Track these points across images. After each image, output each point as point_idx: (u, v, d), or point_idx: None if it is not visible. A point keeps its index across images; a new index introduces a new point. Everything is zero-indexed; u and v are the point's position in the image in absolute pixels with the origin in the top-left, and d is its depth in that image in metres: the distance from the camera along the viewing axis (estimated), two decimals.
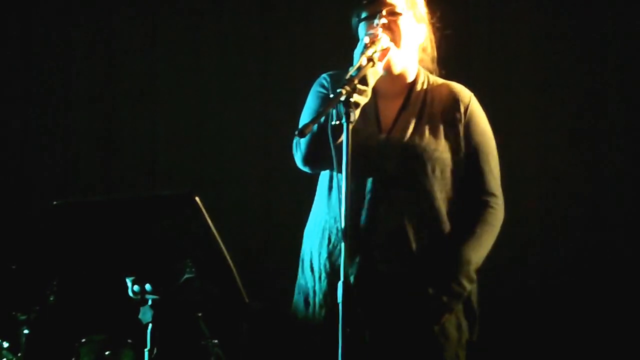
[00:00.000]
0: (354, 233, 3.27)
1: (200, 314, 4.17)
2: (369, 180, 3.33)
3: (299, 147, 3.32)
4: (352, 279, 3.27)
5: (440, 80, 3.49)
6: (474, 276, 3.34)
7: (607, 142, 5.03)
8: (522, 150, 4.98)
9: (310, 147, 3.27)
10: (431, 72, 3.51)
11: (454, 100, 3.43)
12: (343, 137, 2.97)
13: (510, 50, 5.12)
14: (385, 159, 3.33)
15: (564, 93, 5.06)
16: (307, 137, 3.22)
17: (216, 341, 4.23)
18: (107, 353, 3.94)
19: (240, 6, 5.29)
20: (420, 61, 3.49)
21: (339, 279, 2.94)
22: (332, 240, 3.37)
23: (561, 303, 4.99)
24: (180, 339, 4.30)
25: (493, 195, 3.41)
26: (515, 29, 5.12)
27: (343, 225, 2.95)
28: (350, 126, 3.01)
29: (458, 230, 3.35)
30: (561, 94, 5.06)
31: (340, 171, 2.98)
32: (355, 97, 3.09)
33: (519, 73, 5.11)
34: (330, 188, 3.40)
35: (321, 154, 3.20)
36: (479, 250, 3.34)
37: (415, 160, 3.33)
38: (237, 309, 4.54)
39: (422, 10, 3.45)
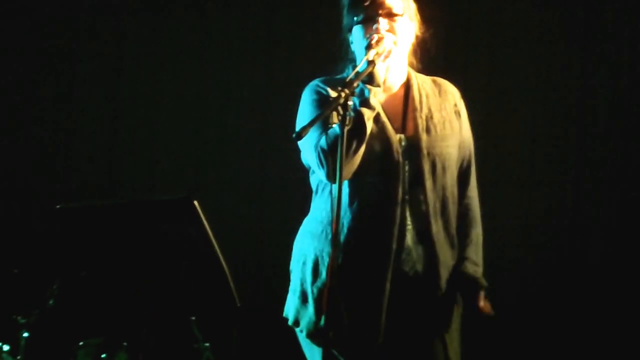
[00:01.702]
0: (381, 237, 3.29)
1: (193, 318, 4.18)
2: (391, 183, 3.29)
3: (326, 162, 3.20)
4: (378, 284, 3.29)
5: (428, 77, 3.48)
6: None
7: (597, 145, 5.08)
8: (509, 151, 5.02)
9: (335, 157, 3.08)
10: (413, 68, 3.51)
11: (450, 95, 3.43)
12: (349, 141, 3.01)
13: (500, 52, 5.16)
14: (403, 159, 3.30)
15: (554, 95, 5.11)
16: (331, 147, 3.14)
17: (208, 344, 4.24)
18: (103, 356, 3.96)
19: (242, 13, 5.32)
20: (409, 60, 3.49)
21: (360, 281, 3.01)
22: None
23: (553, 304, 5.05)
24: (172, 342, 4.32)
25: (474, 189, 3.46)
26: (506, 31, 5.15)
27: (333, 229, 2.97)
28: (346, 129, 3.01)
29: (457, 234, 3.41)
30: (551, 96, 5.11)
31: (338, 174, 3.00)
32: (372, 101, 3.13)
33: (507, 75, 5.15)
34: (340, 191, 3.23)
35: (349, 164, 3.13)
36: (479, 252, 3.43)
37: (435, 158, 3.32)
38: (229, 313, 4.56)
39: (412, 7, 3.43)
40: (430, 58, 3.51)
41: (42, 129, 5.33)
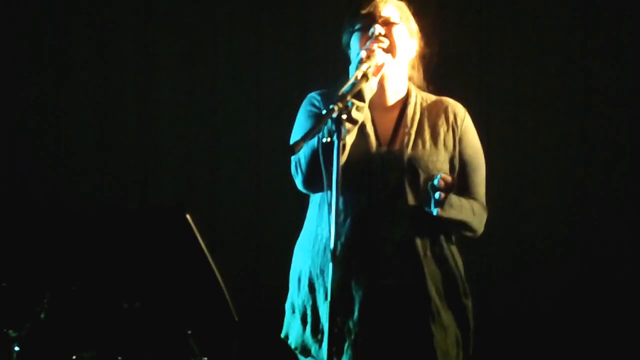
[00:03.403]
0: (360, 249, 3.29)
1: (189, 331, 4.16)
2: (372, 194, 3.34)
3: (299, 170, 3.30)
4: (359, 295, 3.29)
5: (434, 96, 3.52)
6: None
7: (600, 150, 5.08)
8: (513, 159, 5.02)
9: (310, 168, 3.25)
10: (421, 89, 3.53)
11: (451, 114, 3.47)
12: (340, 154, 3.00)
13: (502, 60, 5.16)
14: (387, 172, 3.35)
15: (557, 101, 5.11)
16: (307, 159, 3.22)
17: (205, 359, 4.21)
18: None
19: (234, 17, 5.31)
20: (410, 78, 3.52)
21: (347, 296, 2.99)
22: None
23: (554, 315, 5.02)
24: (169, 357, 4.29)
25: (481, 205, 3.45)
26: (507, 38, 5.16)
27: (332, 245, 2.97)
28: (341, 143, 3.04)
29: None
30: (554, 103, 5.11)
31: (337, 189, 2.99)
32: (354, 114, 3.12)
33: (511, 82, 5.15)
34: (330, 206, 3.36)
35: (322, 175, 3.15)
36: (468, 212, 3.39)
37: (417, 172, 3.35)
38: (227, 326, 4.53)
39: (414, 26, 3.47)
40: (432, 74, 3.58)
41: (30, 137, 5.31)
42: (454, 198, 3.30)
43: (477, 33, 5.18)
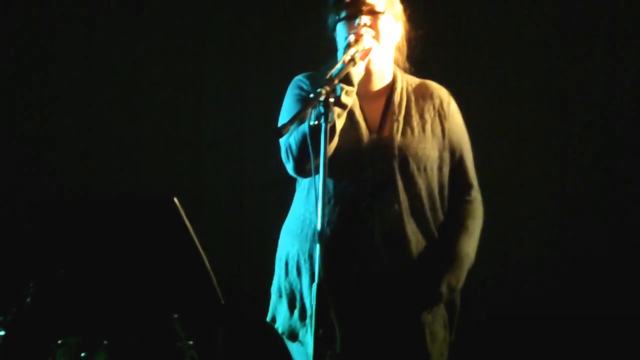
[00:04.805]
0: (348, 236, 3.28)
1: (175, 316, 4.16)
2: (363, 182, 3.32)
3: (291, 155, 3.26)
4: (348, 283, 3.29)
5: (417, 79, 3.50)
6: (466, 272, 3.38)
7: (582, 144, 5.09)
8: (496, 152, 5.03)
9: (301, 153, 3.21)
10: (405, 71, 3.52)
11: (436, 98, 3.46)
12: (328, 138, 2.99)
13: (488, 50, 5.17)
14: (378, 160, 3.33)
15: (545, 94, 5.13)
16: (298, 143, 3.19)
17: (191, 342, 4.21)
18: (82, 355, 3.92)
19: (221, 12, 5.30)
20: (395, 60, 3.50)
21: (337, 280, 2.98)
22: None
23: (543, 307, 5.04)
24: (154, 341, 4.29)
25: (474, 189, 3.47)
26: (495, 29, 5.17)
27: (319, 227, 2.96)
28: (329, 126, 3.02)
29: (449, 224, 3.38)
30: (542, 95, 5.13)
31: (324, 173, 2.97)
32: (344, 99, 3.11)
33: (497, 73, 5.16)
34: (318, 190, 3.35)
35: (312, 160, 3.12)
36: (473, 243, 3.39)
37: (408, 159, 3.33)
38: (213, 311, 4.54)
39: (398, 8, 3.45)
40: (417, 59, 3.53)
41: (18, 128, 5.29)
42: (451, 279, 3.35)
43: (457, 24, 5.18)
